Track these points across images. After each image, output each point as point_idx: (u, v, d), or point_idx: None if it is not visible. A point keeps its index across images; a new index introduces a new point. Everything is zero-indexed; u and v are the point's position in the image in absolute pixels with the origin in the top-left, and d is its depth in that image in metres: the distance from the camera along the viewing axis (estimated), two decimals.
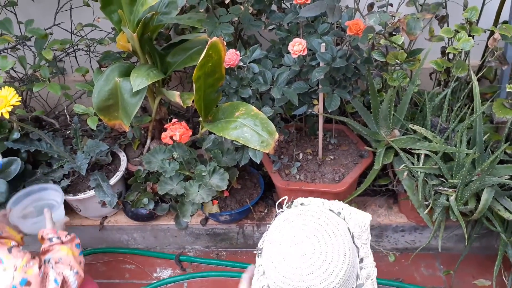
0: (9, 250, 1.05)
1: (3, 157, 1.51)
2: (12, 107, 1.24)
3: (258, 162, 1.25)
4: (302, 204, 0.96)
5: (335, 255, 0.79)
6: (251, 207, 1.53)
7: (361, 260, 0.86)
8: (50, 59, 1.42)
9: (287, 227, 0.85)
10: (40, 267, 1.07)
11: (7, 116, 1.23)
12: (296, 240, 0.81)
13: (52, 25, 1.65)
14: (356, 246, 0.87)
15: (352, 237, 0.88)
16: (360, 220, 0.93)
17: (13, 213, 1.32)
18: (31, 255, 1.09)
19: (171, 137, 1.34)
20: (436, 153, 1.29)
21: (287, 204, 0.97)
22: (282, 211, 0.95)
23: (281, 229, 0.85)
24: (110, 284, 1.59)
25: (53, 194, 1.42)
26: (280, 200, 0.97)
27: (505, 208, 1.24)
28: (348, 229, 0.89)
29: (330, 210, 0.93)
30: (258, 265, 0.90)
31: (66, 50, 1.66)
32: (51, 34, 1.60)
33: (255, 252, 0.93)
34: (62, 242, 1.17)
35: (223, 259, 1.65)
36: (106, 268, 1.65)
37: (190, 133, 1.36)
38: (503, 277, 1.41)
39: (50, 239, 1.17)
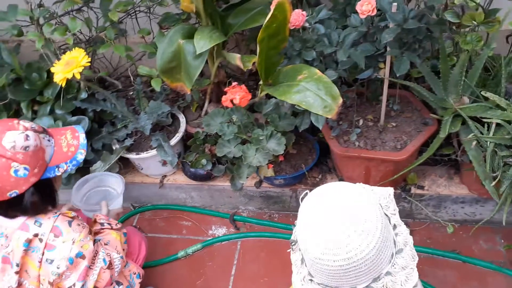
0: (69, 223, 1.09)
1: (72, 116, 1.60)
2: (83, 67, 1.29)
3: (321, 128, 1.24)
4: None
5: (368, 215, 0.78)
6: (306, 172, 1.54)
7: (394, 227, 0.86)
8: (116, 21, 1.46)
9: (314, 204, 0.84)
10: (93, 244, 1.13)
11: (78, 76, 1.29)
12: (327, 211, 0.81)
13: None
14: (386, 215, 0.86)
15: (380, 206, 0.87)
16: (383, 192, 0.91)
17: (75, 197, 1.39)
18: (89, 230, 1.14)
19: (231, 100, 1.35)
20: (509, 122, 1.21)
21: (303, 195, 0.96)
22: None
23: (308, 208, 0.85)
24: (168, 239, 1.68)
25: (116, 183, 1.46)
26: (303, 194, 0.96)
27: None
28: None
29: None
30: (294, 260, 0.90)
31: (127, 11, 1.68)
32: None
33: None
34: (112, 228, 1.24)
35: (275, 221, 1.68)
36: (165, 224, 1.74)
37: (250, 96, 1.36)
38: None
39: (102, 224, 1.23)
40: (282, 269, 1.51)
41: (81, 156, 1.11)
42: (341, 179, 1.58)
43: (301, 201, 0.92)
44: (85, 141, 1.14)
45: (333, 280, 0.81)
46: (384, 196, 0.91)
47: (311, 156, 1.58)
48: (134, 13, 1.74)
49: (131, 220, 1.78)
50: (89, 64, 1.30)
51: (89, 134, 1.61)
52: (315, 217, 0.82)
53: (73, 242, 1.07)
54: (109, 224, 1.24)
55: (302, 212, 0.86)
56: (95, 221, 1.25)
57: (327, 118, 1.19)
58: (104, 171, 1.59)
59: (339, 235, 0.78)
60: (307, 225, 0.82)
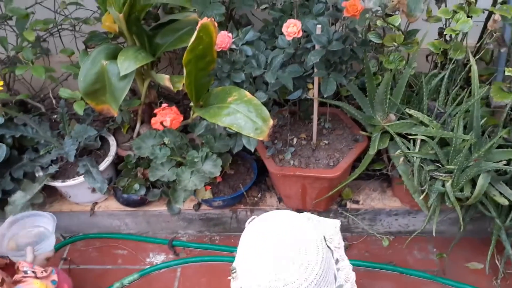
0: None
1: None
2: None
3: (252, 150, 1.22)
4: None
5: (308, 249, 0.78)
6: (245, 192, 1.51)
7: (337, 261, 0.85)
8: (32, 41, 1.36)
9: (256, 235, 0.84)
10: None
11: None
12: (267, 243, 0.80)
13: (33, 3, 1.57)
14: (330, 248, 0.86)
15: (324, 239, 0.87)
16: (329, 223, 0.92)
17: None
18: (0, 280, 1.05)
19: (161, 123, 1.30)
20: (432, 138, 1.26)
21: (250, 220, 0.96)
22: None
23: (249, 239, 0.84)
24: (102, 270, 1.58)
25: (46, 222, 1.34)
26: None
27: (500, 193, 1.23)
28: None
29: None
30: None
31: (49, 30, 1.58)
32: (33, 13, 1.52)
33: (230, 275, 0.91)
34: (36, 277, 1.13)
35: (216, 244, 1.64)
36: (98, 254, 1.63)
37: (181, 118, 1.32)
38: (496, 260, 1.42)
39: (25, 272, 1.13)
40: None
41: None
42: (279, 198, 1.57)
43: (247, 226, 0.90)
44: None
45: None
46: (329, 228, 0.91)
47: (249, 176, 1.56)
48: (58, 32, 1.64)
49: (61, 252, 1.65)
50: (1, 88, 1.19)
51: (8, 162, 1.48)
52: (254, 248, 0.81)
53: None
54: (33, 272, 1.13)
55: (243, 242, 0.85)
56: (17, 268, 1.14)
57: (260, 139, 1.18)
58: (26, 201, 1.46)
59: (278, 268, 0.76)
60: (246, 257, 0.81)
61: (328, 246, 0.86)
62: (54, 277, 1.18)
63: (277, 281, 0.76)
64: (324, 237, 0.87)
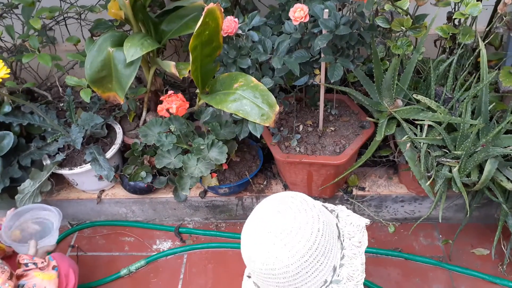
0: None
1: None
2: (1, 79, 1.19)
3: (259, 136, 1.22)
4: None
5: (302, 231, 0.79)
6: (250, 180, 1.52)
7: (343, 257, 0.84)
8: (38, 28, 1.35)
9: (259, 211, 0.86)
10: None
11: None
12: (265, 217, 0.83)
13: None
14: (341, 242, 0.86)
15: (339, 234, 0.86)
16: (355, 220, 0.91)
17: (6, 234, 1.27)
18: (9, 274, 1.06)
19: (167, 110, 1.30)
20: (440, 123, 1.26)
21: None
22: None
23: (253, 214, 0.87)
24: (110, 257, 1.59)
25: (52, 216, 1.34)
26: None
27: (508, 179, 1.22)
28: (337, 225, 0.89)
29: (323, 205, 0.93)
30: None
31: (55, 18, 1.58)
32: (39, 1, 1.52)
33: None
34: (38, 268, 1.14)
35: (222, 231, 1.65)
36: (106, 241, 1.65)
37: (187, 105, 1.32)
38: (502, 246, 1.42)
39: (26, 264, 1.14)
40: (229, 280, 1.48)
41: None
42: (285, 185, 1.58)
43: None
44: None
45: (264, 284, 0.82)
46: (353, 224, 0.90)
47: (255, 163, 1.56)
48: (64, 20, 1.64)
49: (69, 239, 1.67)
50: (8, 75, 1.19)
51: (15, 151, 1.49)
52: (251, 223, 0.85)
53: None
54: (34, 264, 1.14)
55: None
56: (18, 262, 1.15)
57: (267, 126, 1.17)
58: (35, 189, 1.47)
59: (268, 241, 0.79)
60: (244, 233, 0.85)
61: (340, 239, 0.85)
62: (53, 263, 1.20)
63: (269, 253, 0.78)
64: (340, 232, 0.87)
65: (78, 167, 1.49)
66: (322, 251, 0.79)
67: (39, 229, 1.34)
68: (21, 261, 1.14)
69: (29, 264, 1.14)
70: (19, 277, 1.12)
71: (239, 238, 1.58)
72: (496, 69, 1.32)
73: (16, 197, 1.45)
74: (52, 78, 1.79)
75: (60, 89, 1.56)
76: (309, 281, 0.78)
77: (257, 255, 0.79)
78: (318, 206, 0.85)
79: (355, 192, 1.53)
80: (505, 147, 1.21)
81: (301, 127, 1.44)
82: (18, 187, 1.45)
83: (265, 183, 1.59)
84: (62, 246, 1.65)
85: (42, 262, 1.16)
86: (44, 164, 1.52)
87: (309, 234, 0.78)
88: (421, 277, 1.45)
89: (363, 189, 1.54)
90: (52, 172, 1.50)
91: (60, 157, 1.49)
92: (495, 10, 1.40)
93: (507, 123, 1.19)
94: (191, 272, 1.53)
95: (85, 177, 1.54)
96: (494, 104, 1.28)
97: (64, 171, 1.50)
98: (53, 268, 1.18)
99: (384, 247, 1.53)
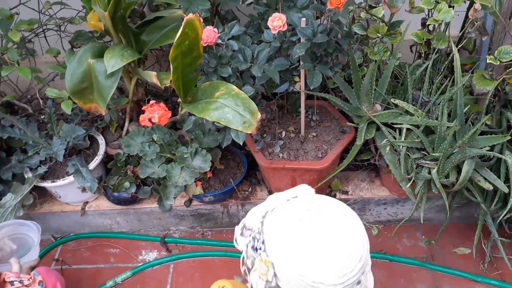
0: None
1: None
2: None
3: (241, 143, 1.23)
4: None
5: (356, 241, 0.78)
6: (235, 187, 1.52)
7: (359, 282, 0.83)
8: (17, 41, 1.35)
9: (307, 228, 0.79)
10: None
11: None
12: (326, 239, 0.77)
13: (18, 4, 1.56)
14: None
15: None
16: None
17: None
18: None
19: (149, 120, 1.30)
20: (417, 126, 1.29)
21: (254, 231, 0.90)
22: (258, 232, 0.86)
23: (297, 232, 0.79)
24: (95, 269, 1.58)
25: (30, 230, 1.32)
26: (236, 233, 0.91)
27: (485, 179, 1.26)
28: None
29: None
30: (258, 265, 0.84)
31: (34, 30, 1.57)
32: (17, 14, 1.51)
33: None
34: (24, 286, 1.13)
35: (208, 239, 1.65)
36: (91, 253, 1.63)
37: (170, 114, 1.32)
38: (483, 245, 1.45)
39: (12, 283, 1.12)
40: None
41: None
42: (270, 191, 1.59)
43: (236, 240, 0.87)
44: None
45: None
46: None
47: (240, 170, 1.57)
48: (43, 32, 1.63)
49: (53, 252, 1.65)
50: None
51: None
52: (310, 243, 0.77)
53: None
54: (20, 281, 1.12)
55: (287, 233, 0.79)
56: (4, 281, 1.13)
57: (250, 133, 1.19)
58: (16, 203, 1.46)
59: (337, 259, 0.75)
60: (299, 251, 0.77)
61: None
62: (39, 278, 1.18)
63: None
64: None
65: (61, 179, 1.48)
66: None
67: (17, 245, 1.32)
68: (7, 279, 1.12)
69: (14, 283, 1.12)
70: None
71: (226, 246, 1.60)
72: (470, 73, 1.36)
73: None
74: (32, 91, 1.78)
75: (41, 101, 1.55)
76: None
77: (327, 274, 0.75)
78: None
79: (339, 196, 1.55)
80: (481, 148, 1.25)
81: (283, 133, 1.46)
82: None
83: (250, 189, 1.60)
84: (46, 260, 1.62)
85: (29, 279, 1.14)
86: (26, 177, 1.50)
87: (361, 241, 0.78)
88: (406, 277, 1.48)
89: (346, 192, 1.56)
90: (34, 185, 1.48)
91: (42, 169, 1.47)
92: (466, 15, 1.45)
93: (482, 124, 1.23)
94: (178, 281, 1.52)
95: (68, 189, 1.53)
96: (469, 106, 1.32)
97: (47, 184, 1.48)
98: (39, 283, 1.16)
99: (369, 249, 1.55)
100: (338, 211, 0.81)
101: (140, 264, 1.57)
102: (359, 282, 0.80)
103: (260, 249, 0.83)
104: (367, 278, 0.83)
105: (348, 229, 0.79)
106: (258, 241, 0.84)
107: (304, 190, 0.90)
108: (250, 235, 0.86)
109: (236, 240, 0.90)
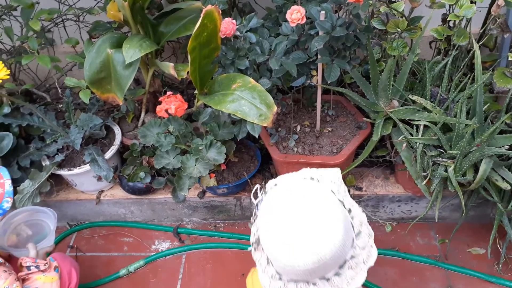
0: None
1: None
2: (0, 81, 1.20)
3: (257, 136, 1.23)
4: (275, 185, 0.95)
5: (331, 215, 0.81)
6: (249, 180, 1.53)
7: (349, 211, 0.88)
8: (37, 30, 1.36)
9: (278, 207, 0.84)
10: None
11: None
12: (290, 217, 0.82)
13: None
14: (340, 200, 0.88)
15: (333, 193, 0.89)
16: (332, 175, 0.93)
17: (0, 237, 1.27)
18: (16, 277, 1.07)
19: (166, 111, 1.31)
20: (435, 123, 1.27)
21: (262, 192, 0.97)
22: (260, 200, 0.94)
23: (272, 211, 0.85)
24: (108, 257, 1.60)
25: (46, 217, 1.34)
26: (253, 189, 0.97)
27: (503, 178, 1.24)
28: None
29: (304, 178, 0.94)
30: (258, 258, 0.89)
31: (54, 20, 1.59)
32: (38, 3, 1.53)
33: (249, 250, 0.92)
34: (40, 270, 1.15)
35: (220, 231, 1.66)
36: (104, 242, 1.66)
37: (186, 106, 1.33)
38: (498, 245, 1.43)
39: (28, 268, 1.15)
40: (228, 279, 1.49)
41: (7, 205, 1.08)
42: None
43: (253, 196, 0.94)
44: (11, 188, 1.10)
45: (303, 276, 0.82)
46: (333, 180, 0.92)
47: (253, 163, 1.57)
48: (62, 22, 1.65)
49: (68, 240, 1.68)
50: (8, 76, 1.21)
51: (15, 151, 1.49)
52: (278, 224, 0.82)
53: None
54: (36, 266, 1.15)
55: (264, 217, 0.85)
56: (21, 266, 1.15)
57: (265, 126, 1.19)
58: (34, 190, 1.48)
59: (306, 240, 0.78)
60: (271, 234, 0.82)
61: (338, 200, 0.87)
62: (55, 264, 1.20)
63: (306, 252, 0.78)
64: (332, 191, 0.89)
65: (77, 167, 1.50)
66: (345, 216, 0.84)
67: (33, 231, 1.34)
68: (24, 264, 1.15)
69: (31, 268, 1.14)
70: (23, 280, 1.13)
71: (238, 238, 1.61)
72: (490, 70, 1.34)
73: (15, 197, 1.45)
74: (50, 80, 1.80)
75: (59, 90, 1.57)
76: (347, 248, 0.82)
77: (304, 254, 0.79)
78: (314, 184, 0.89)
79: (352, 192, 1.54)
80: (500, 147, 1.23)
81: (298, 127, 1.46)
82: (17, 188, 1.46)
83: (263, 183, 1.61)
84: (61, 246, 1.65)
85: (45, 265, 1.17)
86: (43, 165, 1.53)
87: (335, 211, 0.82)
88: (418, 276, 1.47)
89: (360, 189, 1.55)
90: (51, 172, 1.51)
91: (59, 157, 1.50)
92: (489, 12, 1.42)
93: (501, 123, 1.21)
94: (190, 272, 1.53)
95: (84, 178, 1.55)
96: (488, 104, 1.29)
97: (63, 172, 1.51)
98: (55, 269, 1.18)
99: (381, 246, 1.54)
100: (320, 202, 0.85)
101: (153, 254, 1.59)
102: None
103: (256, 211, 0.91)
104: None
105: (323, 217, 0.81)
106: (259, 203, 0.93)
107: (330, 175, 0.92)
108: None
109: (253, 193, 0.98)
